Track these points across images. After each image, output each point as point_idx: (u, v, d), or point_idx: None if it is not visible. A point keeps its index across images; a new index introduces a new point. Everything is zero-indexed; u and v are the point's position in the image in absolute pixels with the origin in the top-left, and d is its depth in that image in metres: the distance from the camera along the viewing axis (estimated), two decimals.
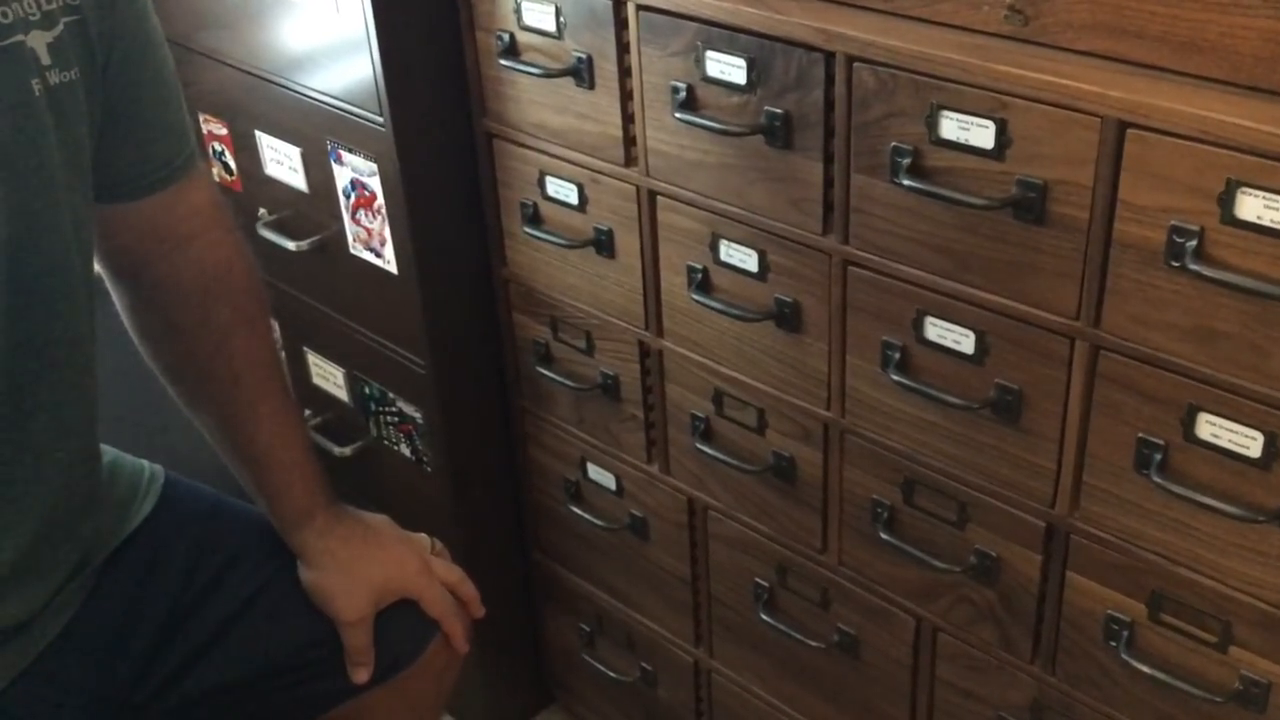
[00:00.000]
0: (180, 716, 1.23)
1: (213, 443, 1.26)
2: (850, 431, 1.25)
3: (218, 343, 1.19)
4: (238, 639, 1.22)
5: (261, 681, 1.23)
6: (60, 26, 0.98)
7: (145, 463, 1.28)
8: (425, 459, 1.69)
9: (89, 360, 1.10)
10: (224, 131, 1.73)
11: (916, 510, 1.24)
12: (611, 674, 1.74)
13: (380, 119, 1.44)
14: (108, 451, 1.22)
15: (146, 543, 1.22)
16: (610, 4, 1.23)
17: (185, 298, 1.18)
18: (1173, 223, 0.93)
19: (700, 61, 1.18)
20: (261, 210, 1.72)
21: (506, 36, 1.36)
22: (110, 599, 1.18)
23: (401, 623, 1.25)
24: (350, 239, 1.59)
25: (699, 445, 1.40)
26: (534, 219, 1.45)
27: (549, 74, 1.33)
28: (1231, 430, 0.97)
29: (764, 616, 1.44)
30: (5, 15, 0.94)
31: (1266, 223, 0.89)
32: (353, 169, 1.52)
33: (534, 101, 1.38)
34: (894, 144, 1.07)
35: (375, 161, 1.48)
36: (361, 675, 1.21)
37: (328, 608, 1.21)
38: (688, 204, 1.28)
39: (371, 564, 1.22)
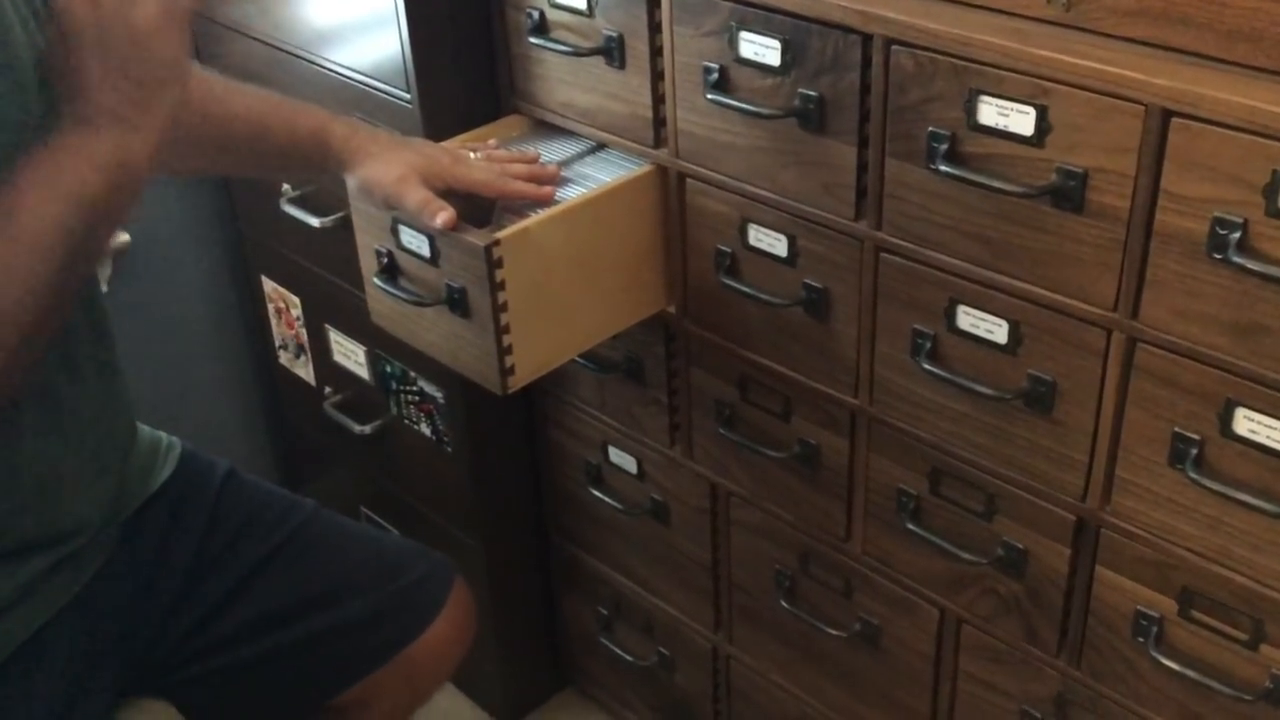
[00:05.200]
0: (199, 687, 1.26)
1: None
2: (877, 420, 1.24)
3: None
4: (254, 596, 1.26)
5: (277, 648, 1.26)
6: None
7: (163, 433, 1.32)
8: (446, 439, 1.68)
9: None
10: None
11: (943, 500, 1.22)
12: (629, 658, 1.73)
13: (407, 96, 1.43)
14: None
15: (168, 503, 1.26)
16: None
17: None
18: (1216, 214, 0.92)
19: (734, 42, 1.17)
20: (285, 186, 1.71)
21: (536, 14, 1.34)
22: (135, 552, 1.23)
23: (407, 599, 1.29)
24: None
25: (722, 430, 1.39)
26: None
27: (579, 53, 1.31)
28: (1270, 426, 0.96)
29: (785, 604, 1.44)
30: None
31: None
32: None
33: (563, 80, 1.36)
34: (931, 129, 1.05)
35: None
36: (443, 218, 1.19)
37: (376, 190, 1.23)
38: (717, 187, 1.26)
39: (404, 150, 1.26)
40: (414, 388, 1.69)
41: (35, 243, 0.89)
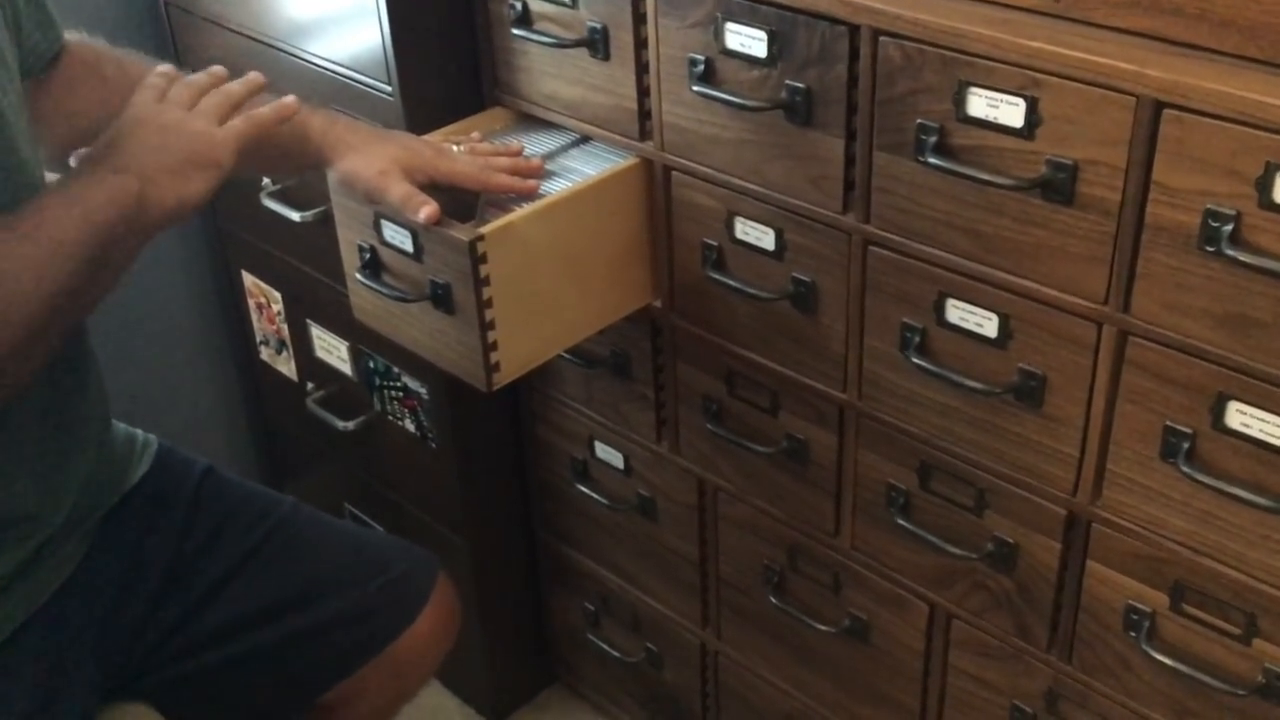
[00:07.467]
0: (180, 688, 1.25)
1: None
2: (866, 414, 1.23)
3: None
4: (234, 595, 1.25)
5: (259, 647, 1.25)
6: None
7: (139, 430, 1.31)
8: (430, 435, 1.67)
9: None
10: None
11: (933, 495, 1.21)
12: (616, 654, 1.72)
13: (389, 88, 1.41)
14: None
15: (143, 501, 1.26)
16: None
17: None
18: (1208, 206, 0.91)
19: (719, 33, 1.15)
20: (265, 180, 1.69)
21: (519, 5, 1.33)
22: (111, 551, 1.22)
23: (390, 595, 1.29)
24: None
25: (710, 426, 1.38)
26: None
27: (562, 44, 1.30)
28: (1262, 419, 0.95)
29: (773, 600, 1.43)
30: None
31: None
32: None
33: (546, 73, 1.35)
34: (919, 121, 1.04)
35: None
36: (426, 212, 1.17)
37: (357, 183, 1.22)
38: (704, 180, 1.25)
39: (386, 143, 1.24)
40: (398, 383, 1.68)
41: (54, 250, 0.95)
